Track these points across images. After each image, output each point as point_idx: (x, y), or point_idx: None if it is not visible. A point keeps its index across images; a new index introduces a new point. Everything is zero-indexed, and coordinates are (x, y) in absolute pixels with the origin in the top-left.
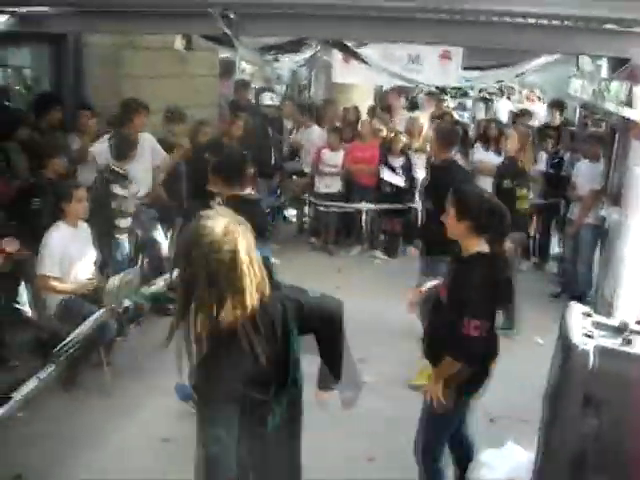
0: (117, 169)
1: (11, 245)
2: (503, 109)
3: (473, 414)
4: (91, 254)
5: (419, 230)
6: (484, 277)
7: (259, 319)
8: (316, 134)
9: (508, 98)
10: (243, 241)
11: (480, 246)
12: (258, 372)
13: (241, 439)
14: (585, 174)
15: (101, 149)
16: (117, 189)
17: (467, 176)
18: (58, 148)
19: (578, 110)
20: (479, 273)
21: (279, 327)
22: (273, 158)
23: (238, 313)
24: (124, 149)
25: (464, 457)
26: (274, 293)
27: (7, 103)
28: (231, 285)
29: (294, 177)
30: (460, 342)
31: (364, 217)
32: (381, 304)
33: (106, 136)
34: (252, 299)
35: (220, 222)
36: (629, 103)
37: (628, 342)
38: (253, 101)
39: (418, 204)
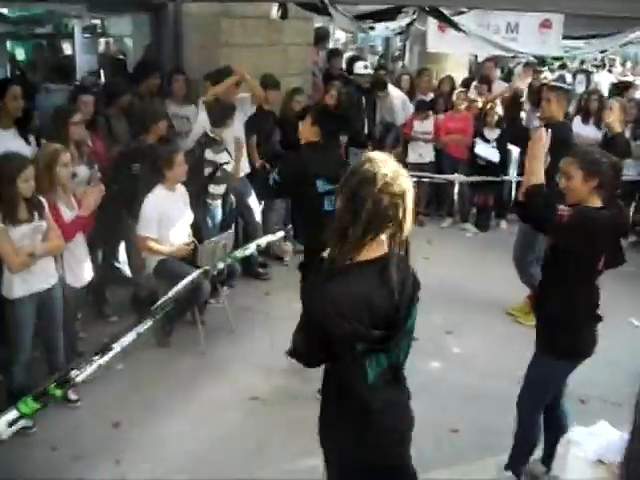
0: (212, 135)
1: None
2: (604, 82)
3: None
4: (188, 217)
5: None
6: (606, 228)
7: (396, 262)
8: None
9: (609, 71)
10: (409, 182)
11: (599, 204)
12: (383, 312)
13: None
14: None
15: (201, 118)
16: (210, 155)
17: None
18: (160, 113)
19: None
20: (609, 223)
21: (409, 283)
22: (366, 127)
23: (385, 248)
24: (221, 116)
25: (552, 430)
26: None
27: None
28: (390, 220)
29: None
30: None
31: (456, 189)
32: (471, 278)
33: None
34: (402, 239)
35: (390, 163)
36: None
37: None
38: (346, 70)
39: (512, 177)
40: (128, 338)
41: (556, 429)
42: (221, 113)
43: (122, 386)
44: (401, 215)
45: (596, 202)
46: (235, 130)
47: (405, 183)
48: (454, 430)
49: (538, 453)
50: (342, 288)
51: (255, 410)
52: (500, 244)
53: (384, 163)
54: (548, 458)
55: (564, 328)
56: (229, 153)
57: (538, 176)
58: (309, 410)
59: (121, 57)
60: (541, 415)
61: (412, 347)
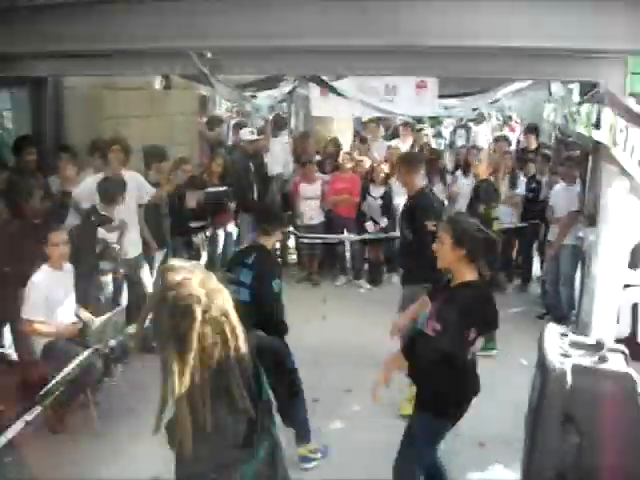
0: (102, 212)
1: None
2: (482, 136)
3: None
4: (74, 297)
5: (398, 259)
6: (474, 305)
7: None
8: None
9: (486, 123)
10: (228, 303)
11: (471, 274)
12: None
13: None
14: (562, 196)
15: (83, 190)
16: (102, 232)
17: (440, 205)
18: (34, 191)
19: (553, 134)
20: (469, 301)
21: (249, 381)
22: (255, 192)
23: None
24: (112, 193)
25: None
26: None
27: None
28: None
29: None
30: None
31: (347, 247)
32: (367, 333)
33: (89, 178)
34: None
35: (200, 289)
36: (598, 126)
37: (604, 360)
38: (233, 136)
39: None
40: (16, 428)
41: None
42: (111, 190)
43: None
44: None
45: (467, 273)
46: (125, 209)
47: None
48: None
49: None
50: None
51: None
52: (393, 298)
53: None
54: None
55: (451, 401)
56: (122, 231)
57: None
58: None
59: None
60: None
61: (313, 409)
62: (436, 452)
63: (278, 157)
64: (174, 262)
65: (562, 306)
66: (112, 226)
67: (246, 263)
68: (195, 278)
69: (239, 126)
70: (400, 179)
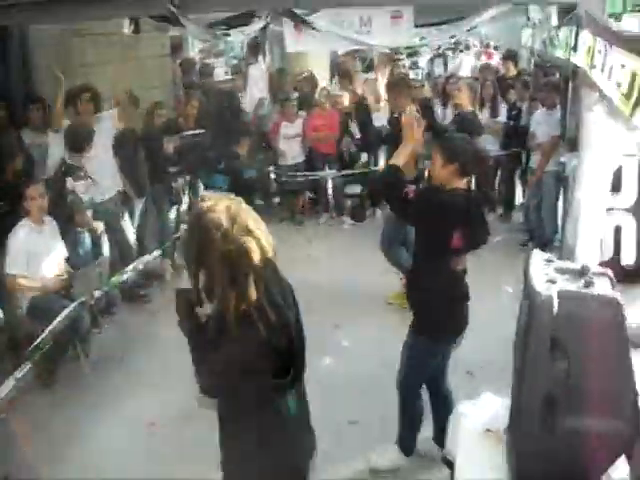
0: (71, 162)
1: None
2: (466, 64)
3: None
4: (59, 250)
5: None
6: (460, 206)
7: (268, 303)
8: None
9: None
10: (251, 222)
11: (463, 186)
12: (273, 357)
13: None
14: (543, 122)
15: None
16: (72, 182)
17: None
18: (13, 149)
19: (532, 60)
20: (455, 204)
21: (291, 305)
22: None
23: (250, 298)
24: (79, 141)
25: (441, 409)
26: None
27: None
28: (244, 272)
29: None
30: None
31: (329, 184)
32: (353, 269)
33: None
34: (262, 282)
35: (224, 213)
36: (576, 49)
37: (589, 285)
38: (208, 77)
39: (380, 166)
40: (7, 386)
41: (444, 408)
42: (79, 139)
43: (7, 436)
44: (252, 264)
45: (457, 184)
46: (96, 154)
47: (247, 226)
48: (353, 422)
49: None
50: None
51: (153, 436)
52: (377, 232)
53: (219, 211)
54: (440, 435)
55: (432, 312)
56: (91, 179)
57: (397, 158)
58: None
59: None
60: (420, 392)
61: None
62: (442, 381)
63: (257, 83)
64: (205, 193)
65: (545, 232)
66: (80, 175)
67: (219, 169)
68: (221, 205)
69: (207, 68)
70: (392, 104)
